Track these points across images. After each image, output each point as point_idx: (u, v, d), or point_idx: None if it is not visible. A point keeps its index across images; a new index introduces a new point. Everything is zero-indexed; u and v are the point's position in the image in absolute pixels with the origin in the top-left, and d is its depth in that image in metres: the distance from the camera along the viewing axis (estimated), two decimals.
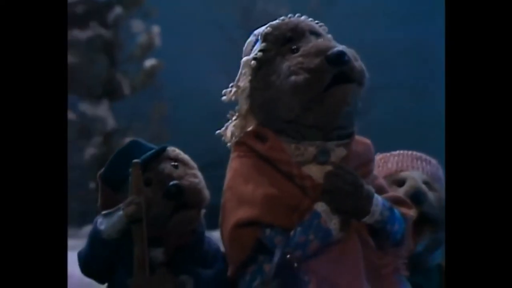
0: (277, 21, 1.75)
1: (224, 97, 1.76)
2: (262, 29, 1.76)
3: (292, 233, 1.59)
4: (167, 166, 1.89)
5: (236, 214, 1.63)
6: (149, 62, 12.13)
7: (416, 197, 1.91)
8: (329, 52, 1.60)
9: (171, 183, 1.84)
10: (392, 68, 14.84)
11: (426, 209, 1.92)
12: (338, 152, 1.65)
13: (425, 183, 1.98)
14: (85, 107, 12.22)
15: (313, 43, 1.66)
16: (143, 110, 12.51)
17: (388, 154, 2.11)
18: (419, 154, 2.10)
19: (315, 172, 1.63)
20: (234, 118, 1.78)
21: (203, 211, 1.93)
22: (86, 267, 1.95)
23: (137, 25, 12.85)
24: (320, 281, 1.56)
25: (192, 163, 1.99)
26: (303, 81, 1.59)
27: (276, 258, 1.56)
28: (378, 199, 1.64)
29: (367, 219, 1.61)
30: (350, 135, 1.71)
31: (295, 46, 1.67)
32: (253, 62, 1.70)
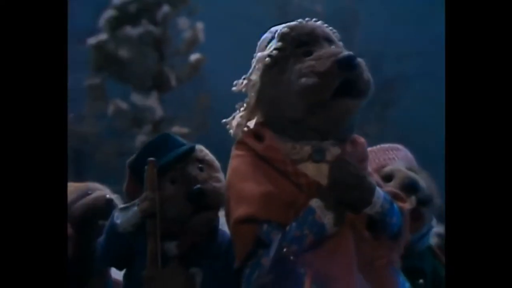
0: (294, 22, 1.75)
1: (234, 88, 1.76)
2: (279, 28, 1.75)
3: (288, 228, 1.59)
4: (193, 169, 1.90)
5: (236, 211, 1.63)
6: (194, 56, 12.35)
7: (412, 186, 1.92)
8: (340, 56, 1.60)
9: (195, 187, 1.85)
10: (424, 58, 15.11)
11: (421, 193, 1.92)
12: (333, 151, 1.66)
13: (409, 169, 1.99)
14: (137, 98, 12.48)
15: (326, 49, 1.65)
16: (188, 101, 12.64)
17: None
18: (386, 145, 2.11)
19: (311, 170, 1.64)
20: (242, 109, 1.77)
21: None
22: (103, 258, 1.99)
23: (183, 22, 13.03)
24: (315, 273, 1.56)
25: (216, 164, 1.98)
26: (313, 84, 1.59)
27: (272, 252, 1.57)
28: (379, 191, 1.64)
29: (368, 210, 1.61)
30: (346, 137, 1.72)
31: (309, 50, 1.66)
32: (267, 59, 1.70)
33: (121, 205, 1.92)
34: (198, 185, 1.83)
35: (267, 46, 1.73)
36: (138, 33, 12.74)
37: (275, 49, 1.69)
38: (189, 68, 12.27)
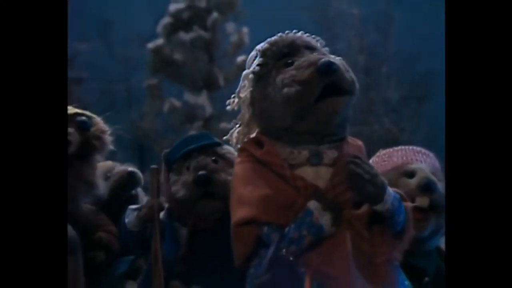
0: (275, 37, 1.72)
1: (228, 107, 1.74)
2: (261, 45, 1.73)
3: (286, 229, 1.56)
4: (206, 159, 1.91)
5: (237, 214, 1.61)
6: (240, 58, 12.16)
7: (429, 186, 1.89)
8: (319, 63, 1.55)
9: (200, 172, 1.86)
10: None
11: (436, 197, 1.89)
12: (330, 154, 1.63)
13: (432, 173, 1.95)
14: (189, 96, 12.71)
15: (306, 57, 1.61)
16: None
17: (391, 149, 2.08)
18: (418, 148, 2.07)
19: (310, 173, 1.61)
20: (237, 125, 1.74)
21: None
22: (123, 247, 2.03)
23: (230, 27, 13.27)
24: (314, 273, 1.54)
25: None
26: (295, 93, 1.56)
27: (270, 252, 1.55)
28: (390, 190, 1.61)
29: (380, 207, 1.57)
30: (342, 139, 1.67)
31: (290, 60, 1.63)
32: (251, 75, 1.68)
33: (131, 206, 1.95)
34: (204, 171, 1.86)
35: (252, 63, 1.72)
36: (190, 38, 13.05)
37: (257, 65, 1.68)
38: (236, 68, 12.21)
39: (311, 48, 1.68)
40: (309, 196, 1.57)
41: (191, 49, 13.05)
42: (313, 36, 1.74)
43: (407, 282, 1.67)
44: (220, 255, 1.76)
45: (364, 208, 1.60)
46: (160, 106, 12.97)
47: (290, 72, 1.60)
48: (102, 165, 2.19)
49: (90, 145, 1.95)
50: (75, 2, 16.54)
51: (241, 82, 1.72)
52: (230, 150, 1.96)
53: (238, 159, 1.71)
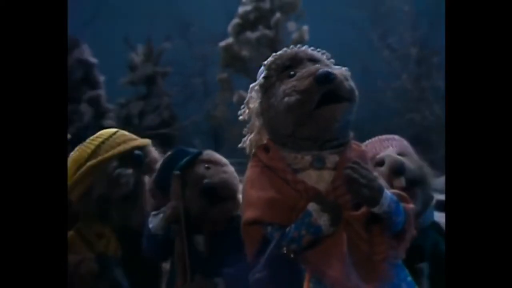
0: (280, 51, 1.70)
1: (240, 117, 1.73)
2: (268, 59, 1.70)
3: (287, 229, 1.54)
4: (200, 169, 1.88)
5: (245, 214, 1.60)
6: None
7: (398, 168, 1.89)
8: (317, 73, 1.53)
9: (204, 182, 1.84)
10: None
11: (409, 175, 1.89)
12: (332, 159, 1.60)
13: (399, 154, 1.94)
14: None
15: (307, 68, 1.60)
16: None
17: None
18: (383, 136, 2.07)
19: (313, 176, 1.59)
20: (248, 134, 1.73)
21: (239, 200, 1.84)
22: (146, 252, 1.96)
23: (291, 25, 13.52)
24: (313, 270, 1.53)
25: (223, 161, 1.96)
26: (294, 101, 1.54)
27: (269, 250, 1.54)
28: (387, 192, 1.57)
29: (377, 209, 1.54)
30: (344, 144, 1.64)
31: (292, 72, 1.61)
32: (256, 87, 1.69)
33: (153, 212, 1.90)
34: (206, 180, 1.85)
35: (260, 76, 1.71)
36: (256, 36, 13.53)
37: (263, 77, 1.68)
38: None
39: (314, 60, 1.66)
40: (310, 198, 1.56)
41: (256, 46, 13.44)
42: (318, 49, 1.73)
43: (409, 278, 1.64)
44: (236, 250, 1.76)
45: (363, 209, 1.57)
46: (230, 97, 13.40)
47: (291, 82, 1.59)
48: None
49: (143, 178, 1.92)
50: (161, 7, 17.63)
51: (248, 93, 1.73)
52: (210, 153, 1.97)
53: (250, 163, 1.71)
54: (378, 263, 1.55)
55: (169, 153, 1.99)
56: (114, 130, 2.00)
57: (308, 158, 1.61)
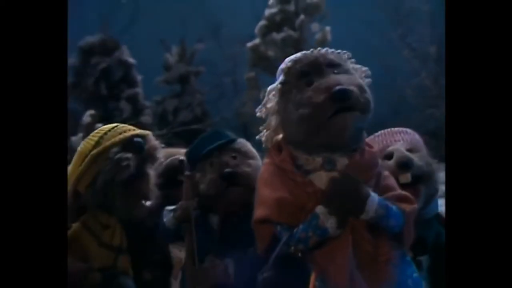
0: (299, 54, 1.67)
1: (258, 113, 1.73)
2: (287, 61, 1.68)
3: (295, 230, 1.56)
4: (227, 157, 1.92)
5: (256, 212, 1.62)
6: None
7: (405, 163, 1.88)
8: (333, 90, 1.51)
9: (226, 170, 1.89)
10: None
11: (416, 171, 1.86)
12: (342, 161, 1.61)
13: (409, 150, 1.91)
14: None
15: (326, 79, 1.56)
16: None
17: (372, 136, 2.03)
18: (396, 128, 2.02)
19: (324, 178, 1.59)
20: (265, 130, 1.73)
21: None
22: (160, 238, 2.07)
23: (315, 26, 13.64)
24: (319, 270, 1.56)
25: (251, 154, 1.98)
26: (308, 114, 1.53)
27: (277, 249, 1.57)
28: (374, 200, 1.56)
29: (364, 216, 1.56)
30: (356, 149, 1.63)
31: (311, 79, 1.59)
32: (273, 92, 1.70)
33: (168, 207, 1.95)
34: (229, 169, 1.89)
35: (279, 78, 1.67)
36: (282, 37, 13.69)
37: (280, 83, 1.67)
38: None
39: (334, 65, 1.62)
40: (318, 200, 1.56)
41: (282, 47, 13.56)
42: (338, 51, 1.68)
43: (416, 275, 1.64)
44: (248, 235, 1.76)
45: None
46: (258, 95, 12.13)
47: (307, 92, 1.57)
48: (166, 151, 2.23)
49: (145, 165, 1.96)
50: (193, 11, 18.06)
51: (266, 96, 1.71)
52: (243, 142, 2.01)
53: (265, 160, 1.72)
54: (382, 264, 1.55)
55: (206, 132, 2.04)
56: (115, 124, 2.04)
57: (319, 160, 1.60)
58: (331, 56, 1.66)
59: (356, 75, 1.63)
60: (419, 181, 1.86)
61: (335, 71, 1.61)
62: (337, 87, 1.52)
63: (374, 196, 1.57)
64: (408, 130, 2.03)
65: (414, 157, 1.88)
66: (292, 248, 1.55)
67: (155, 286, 2.08)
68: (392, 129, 2.03)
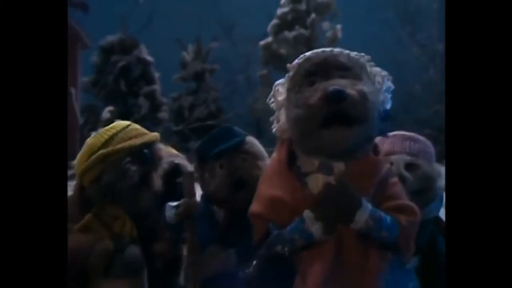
0: (310, 53, 1.61)
1: (272, 104, 1.67)
2: (301, 56, 1.61)
3: (283, 230, 1.54)
4: (237, 159, 1.88)
5: (252, 206, 1.59)
6: None
7: (400, 180, 1.72)
8: (328, 90, 1.44)
9: (237, 175, 1.84)
10: None
11: (411, 188, 1.80)
12: (339, 167, 1.55)
13: (409, 163, 1.86)
14: None
15: (327, 82, 1.49)
16: None
17: (391, 133, 1.90)
18: (408, 134, 1.94)
19: (320, 181, 1.54)
20: (275, 122, 1.67)
21: None
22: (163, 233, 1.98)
23: (326, 25, 13.81)
24: (301, 271, 1.54)
25: (261, 154, 1.93)
26: (302, 115, 1.48)
27: (265, 246, 1.55)
28: (365, 211, 1.50)
29: (353, 225, 1.50)
30: (353, 156, 1.53)
31: (314, 80, 1.52)
32: (278, 87, 1.63)
33: (170, 203, 1.90)
34: (239, 174, 1.84)
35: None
36: (293, 35, 13.82)
37: (286, 79, 1.61)
38: None
39: (343, 69, 1.53)
40: (310, 203, 1.52)
41: (293, 45, 13.74)
42: (356, 53, 1.59)
43: (412, 284, 1.61)
44: (252, 228, 1.66)
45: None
46: (270, 91, 13.69)
47: (307, 93, 1.50)
48: (166, 150, 2.18)
49: (149, 174, 1.95)
50: (208, 11, 18.31)
51: (273, 88, 1.65)
52: (252, 142, 1.94)
53: (273, 155, 1.68)
54: (369, 274, 1.50)
55: (218, 128, 2.04)
56: (127, 123, 2.03)
57: (315, 162, 1.55)
58: (343, 59, 1.55)
59: (369, 81, 1.55)
60: (416, 195, 1.78)
61: (342, 75, 1.52)
62: (332, 87, 1.44)
63: (366, 207, 1.50)
64: (420, 138, 1.93)
65: (409, 176, 1.83)
66: (279, 247, 1.53)
67: (163, 275, 2.10)
68: (405, 133, 1.91)
